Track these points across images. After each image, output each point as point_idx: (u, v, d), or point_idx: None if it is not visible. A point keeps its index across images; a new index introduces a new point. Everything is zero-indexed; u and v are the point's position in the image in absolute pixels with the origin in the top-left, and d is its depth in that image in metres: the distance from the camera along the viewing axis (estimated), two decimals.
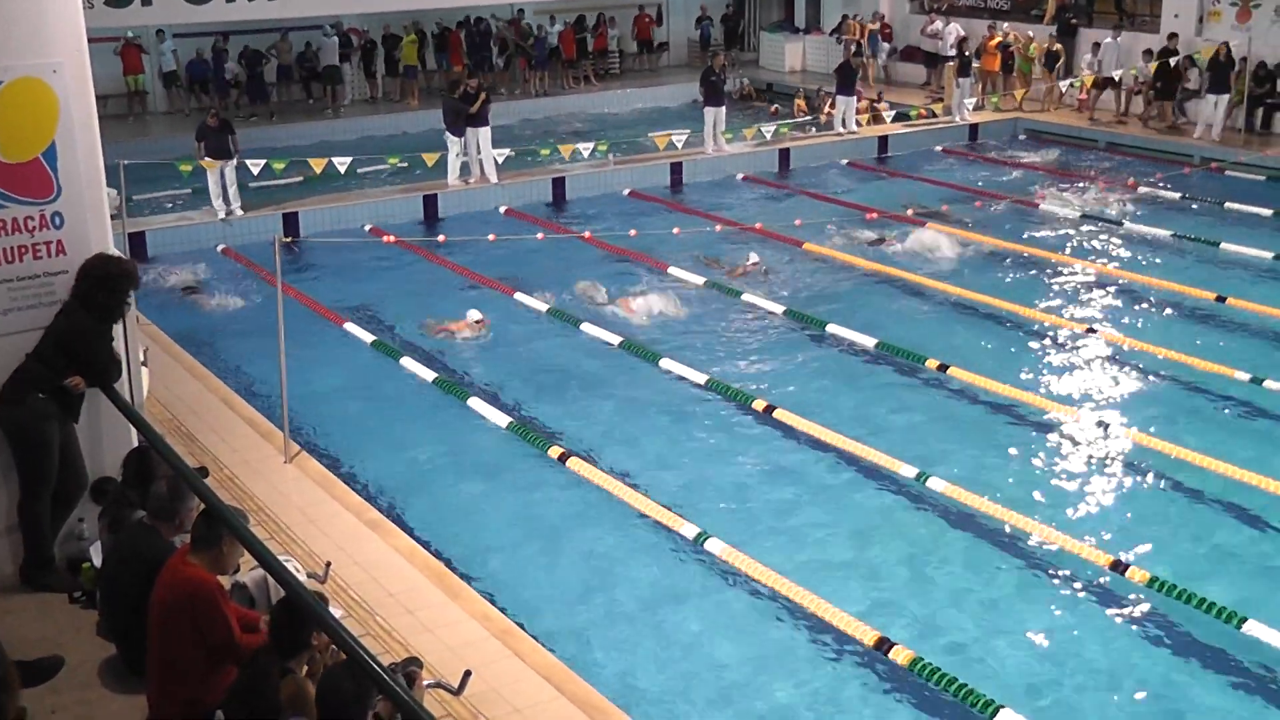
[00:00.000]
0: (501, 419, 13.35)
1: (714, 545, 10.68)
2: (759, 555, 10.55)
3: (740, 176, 25.54)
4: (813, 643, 9.58)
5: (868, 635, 9.35)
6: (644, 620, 9.94)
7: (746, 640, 9.68)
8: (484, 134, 23.34)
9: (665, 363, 14.91)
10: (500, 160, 23.47)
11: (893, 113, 28.74)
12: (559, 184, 24.01)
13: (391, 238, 19.96)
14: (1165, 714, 8.85)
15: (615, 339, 15.75)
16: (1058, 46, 29.99)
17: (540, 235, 20.03)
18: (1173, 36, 27.51)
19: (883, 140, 27.84)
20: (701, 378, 14.43)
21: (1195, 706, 8.92)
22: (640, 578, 10.57)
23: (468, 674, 7.41)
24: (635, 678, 9.15)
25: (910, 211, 21.88)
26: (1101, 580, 10.38)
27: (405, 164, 23.87)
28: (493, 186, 23.31)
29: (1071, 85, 29.73)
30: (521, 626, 9.22)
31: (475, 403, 13.78)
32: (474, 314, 16.27)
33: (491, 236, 19.61)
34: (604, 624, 9.89)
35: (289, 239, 19.91)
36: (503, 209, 22.80)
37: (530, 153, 24.59)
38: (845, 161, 26.89)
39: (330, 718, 5.74)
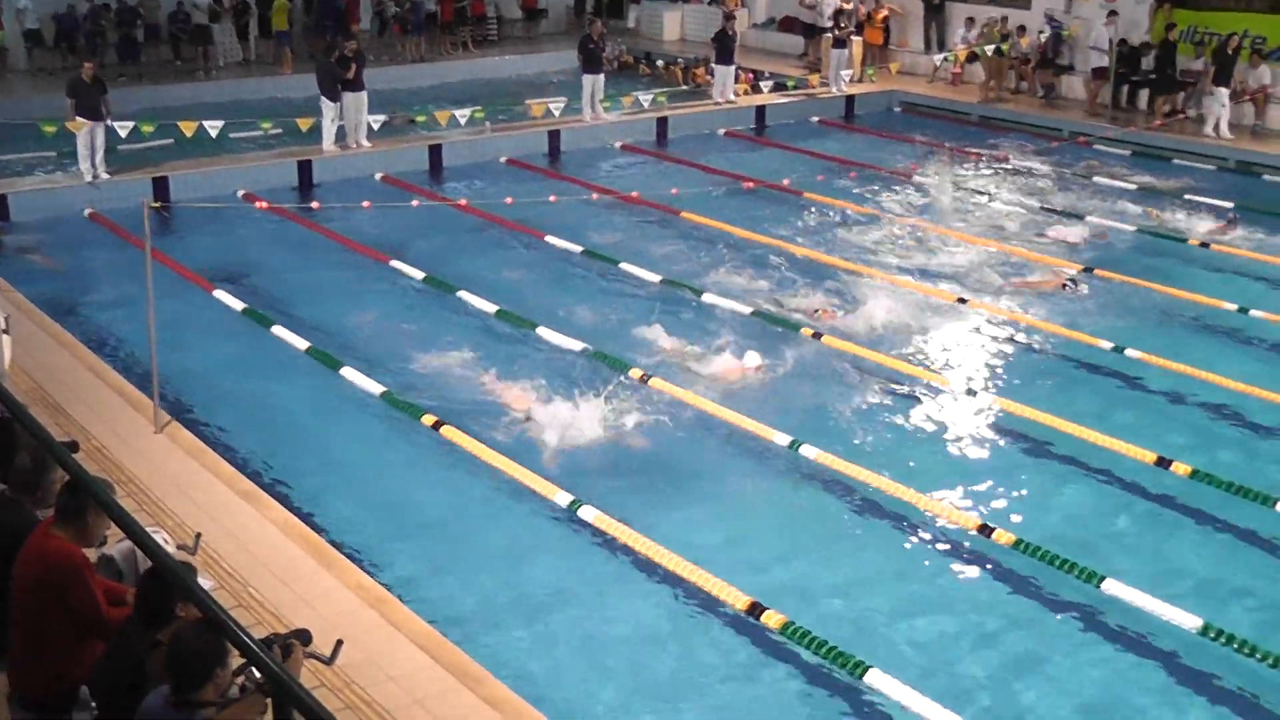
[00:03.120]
0: (375, 388, 13.26)
1: (587, 513, 10.73)
2: (633, 522, 10.62)
3: (618, 145, 25.57)
4: (685, 609, 9.68)
5: (739, 600, 9.46)
6: (524, 591, 9.96)
7: (622, 608, 9.76)
8: (361, 99, 23.07)
9: (541, 330, 14.92)
10: (376, 126, 23.25)
11: (770, 83, 28.97)
12: (436, 151, 23.82)
13: (265, 204, 19.67)
14: (1030, 671, 9.12)
15: (492, 307, 15.71)
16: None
17: (417, 202, 19.89)
18: (1171, 27, 26.59)
19: (760, 110, 28.05)
20: (578, 345, 14.47)
21: (1058, 663, 9.21)
22: (516, 547, 10.60)
23: (339, 643, 7.38)
24: (513, 647, 9.18)
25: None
26: (969, 543, 10.64)
27: (279, 129, 23.49)
28: (369, 153, 23.06)
29: (945, 59, 30.15)
30: (403, 598, 9.25)
31: (348, 372, 13.66)
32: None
33: (366, 204, 19.45)
34: (481, 592, 9.91)
35: (159, 204, 19.48)
36: (379, 176, 22.56)
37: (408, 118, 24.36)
38: (723, 131, 27.07)
39: (177, 673, 5.65)
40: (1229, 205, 21.06)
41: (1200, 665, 9.14)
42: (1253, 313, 15.92)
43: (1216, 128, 25.02)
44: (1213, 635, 9.21)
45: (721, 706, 8.65)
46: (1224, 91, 24.88)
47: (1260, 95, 25.49)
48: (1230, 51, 24.83)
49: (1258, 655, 9.00)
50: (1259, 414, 13.27)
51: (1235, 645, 9.11)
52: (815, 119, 28.46)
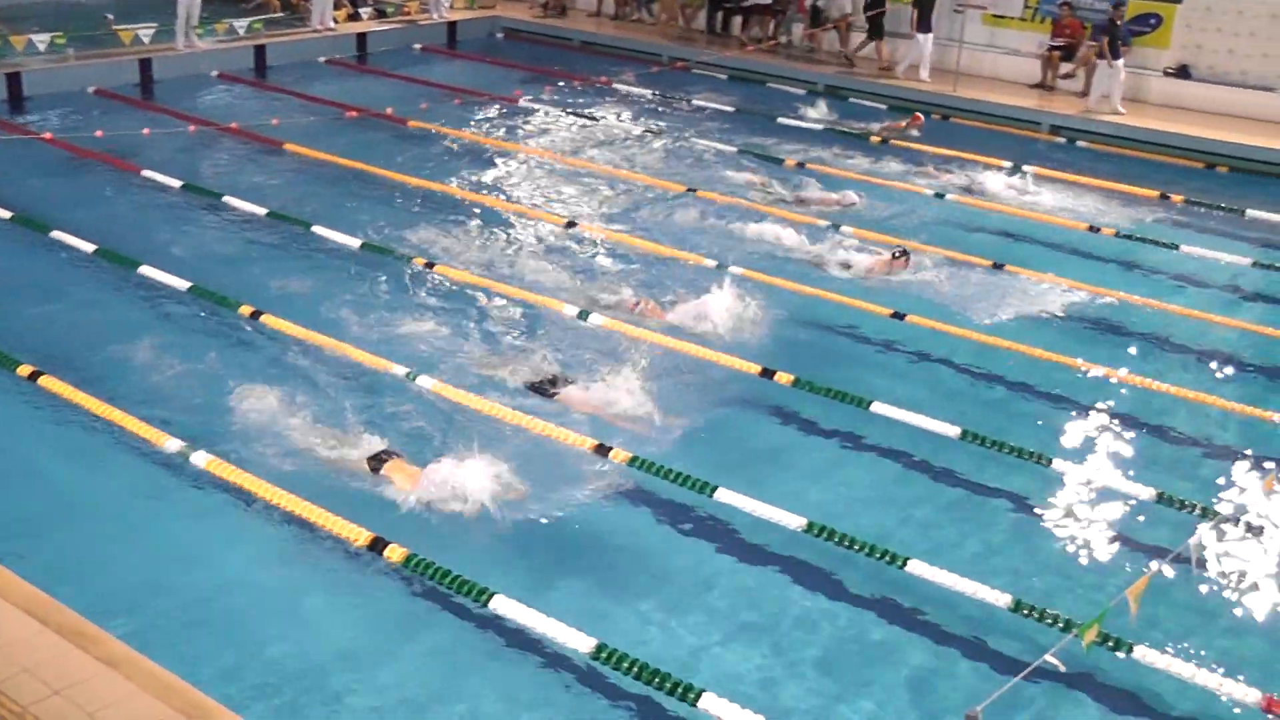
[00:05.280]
0: None
1: (199, 458, 10.40)
2: (248, 466, 10.39)
3: (215, 74, 24.58)
4: (307, 550, 9.54)
5: (361, 536, 9.41)
6: (139, 543, 9.57)
7: (240, 552, 9.53)
8: None
9: (145, 269, 14.28)
10: None
11: (370, 9, 28.51)
12: (14, 79, 22.20)
13: None
14: (653, 575, 9.44)
15: (88, 246, 14.90)
16: None
17: None
18: None
19: (361, 38, 27.57)
20: (184, 284, 13.93)
21: (668, 568, 9.57)
22: (128, 497, 10.18)
23: None
24: (128, 603, 8.82)
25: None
26: (586, 463, 10.86)
27: None
28: None
29: None
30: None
31: None
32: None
33: None
34: (93, 548, 9.46)
35: None
36: None
37: None
38: (323, 59, 26.43)
39: None
40: (820, 128, 22.56)
41: (809, 559, 9.73)
42: (843, 228, 16.94)
43: (918, 72, 25.31)
44: (815, 532, 9.84)
45: (349, 650, 8.57)
46: (928, 37, 25.07)
47: (843, 24, 26.78)
48: None
49: (855, 546, 9.71)
50: (846, 320, 14.23)
51: (836, 539, 9.77)
52: (417, 46, 28.23)
